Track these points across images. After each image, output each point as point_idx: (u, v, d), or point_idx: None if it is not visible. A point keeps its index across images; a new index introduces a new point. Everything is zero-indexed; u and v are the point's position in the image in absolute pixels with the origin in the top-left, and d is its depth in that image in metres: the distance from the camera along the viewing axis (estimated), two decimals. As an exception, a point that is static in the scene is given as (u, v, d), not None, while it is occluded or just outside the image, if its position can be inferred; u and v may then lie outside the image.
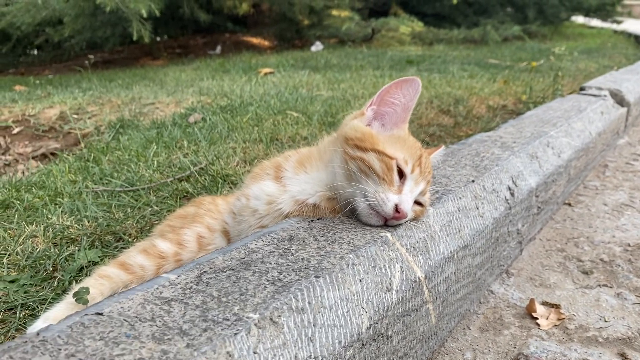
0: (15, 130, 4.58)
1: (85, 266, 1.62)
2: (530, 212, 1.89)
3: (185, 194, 2.15)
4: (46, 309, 1.40)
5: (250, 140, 2.87)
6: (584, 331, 1.46)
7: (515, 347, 1.38)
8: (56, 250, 1.69)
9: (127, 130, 3.46)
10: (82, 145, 3.07)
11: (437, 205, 1.40)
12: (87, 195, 2.11)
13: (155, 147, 2.73)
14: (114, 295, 0.92)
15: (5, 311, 1.41)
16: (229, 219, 1.41)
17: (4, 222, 1.91)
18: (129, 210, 1.99)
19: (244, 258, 1.06)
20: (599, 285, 1.70)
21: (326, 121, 3.28)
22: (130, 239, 1.80)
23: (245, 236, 1.33)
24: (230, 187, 2.23)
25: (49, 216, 1.93)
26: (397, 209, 1.18)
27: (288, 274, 1.00)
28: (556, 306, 1.56)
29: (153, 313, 0.86)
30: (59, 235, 1.81)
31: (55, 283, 1.55)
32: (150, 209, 2.00)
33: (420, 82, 1.28)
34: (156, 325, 0.83)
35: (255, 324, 0.85)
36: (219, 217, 1.53)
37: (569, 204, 2.34)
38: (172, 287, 0.94)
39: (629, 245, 1.97)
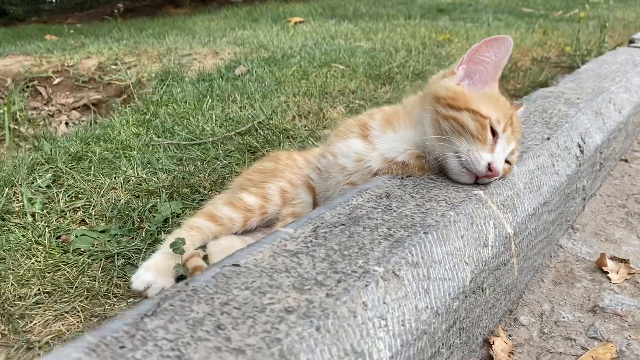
0: (56, 81, 4.63)
1: (170, 217, 1.69)
2: (594, 169, 1.91)
3: (249, 148, 2.20)
4: (142, 258, 1.49)
5: (300, 94, 2.89)
6: (655, 285, 1.52)
7: (589, 300, 1.44)
8: (138, 202, 1.77)
9: (172, 82, 3.49)
10: (136, 98, 3.10)
11: (519, 163, 1.43)
12: (158, 148, 2.17)
13: (210, 100, 2.76)
14: (243, 249, 0.98)
15: (103, 260, 1.49)
16: (314, 175, 1.46)
17: (81, 174, 1.98)
18: (199, 163, 2.05)
19: (350, 214, 1.12)
20: (664, 241, 1.74)
21: (372, 74, 3.27)
22: (205, 192, 1.86)
23: (333, 192, 1.39)
24: (290, 142, 2.28)
25: (123, 169, 2.00)
26: (489, 167, 1.22)
27: (397, 230, 1.05)
28: (625, 261, 1.61)
29: (286, 265, 0.92)
30: (137, 187, 1.88)
31: (144, 234, 1.63)
32: (219, 162, 2.06)
33: (512, 41, 1.29)
34: (292, 277, 0.89)
35: (382, 277, 0.92)
36: (299, 172, 1.59)
37: (626, 160, 2.35)
38: (293, 241, 1.01)
39: (689, 201, 1.99)
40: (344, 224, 1.07)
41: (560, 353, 1.25)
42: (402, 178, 1.30)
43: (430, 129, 1.28)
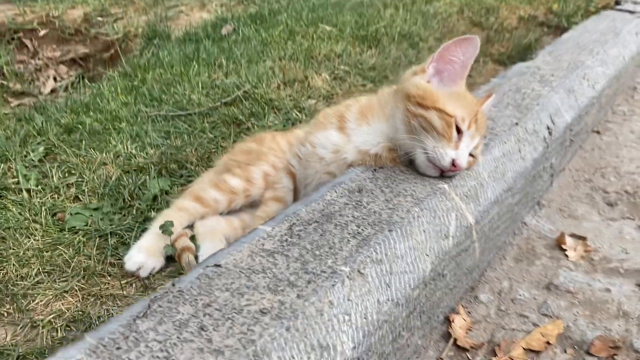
0: (42, 33, 4.59)
1: (159, 195, 1.79)
2: (564, 146, 2.01)
3: (234, 120, 2.27)
4: (134, 237, 1.60)
5: (286, 58, 2.92)
6: (607, 262, 1.65)
7: (546, 277, 1.58)
8: (128, 179, 1.86)
9: (159, 41, 3.50)
10: (124, 61, 3.12)
11: (485, 152, 1.53)
12: (146, 119, 2.24)
13: (196, 65, 2.80)
14: (224, 249, 1.09)
15: (97, 238, 1.60)
16: (295, 162, 1.55)
17: (72, 147, 2.06)
18: (185, 137, 2.13)
19: (323, 210, 1.22)
20: (623, 218, 1.87)
21: (359, 35, 3.29)
22: (192, 167, 1.96)
23: (312, 180, 1.49)
24: (275, 113, 2.35)
25: (113, 142, 2.08)
26: (454, 163, 1.32)
27: (365, 228, 1.16)
28: (583, 238, 1.74)
29: (262, 265, 1.04)
30: (127, 162, 1.96)
31: (134, 211, 1.73)
32: (205, 136, 2.14)
33: (479, 41, 1.36)
34: (268, 277, 1.01)
35: (347, 276, 1.03)
36: (281, 156, 1.68)
37: (598, 132, 2.45)
38: (270, 240, 1.11)
39: (652, 176, 2.11)
40: (317, 222, 1.18)
41: (513, 329, 1.39)
42: (375, 170, 1.40)
43: (401, 125, 1.37)
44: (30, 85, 4.25)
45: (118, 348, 0.84)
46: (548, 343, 1.34)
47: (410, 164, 1.41)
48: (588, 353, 1.32)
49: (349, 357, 0.97)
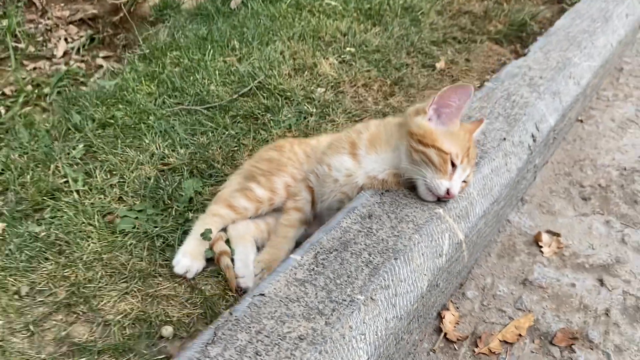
0: (49, -9, 4.64)
1: (193, 196, 2.07)
2: (547, 145, 2.27)
3: (252, 114, 2.50)
4: (177, 238, 1.89)
5: (295, 38, 3.10)
6: (576, 258, 1.96)
7: (523, 273, 1.89)
8: (164, 180, 2.12)
9: (170, 12, 3.64)
10: (141, 42, 3.28)
11: (476, 171, 1.80)
12: (170, 114, 2.47)
13: (211, 50, 2.98)
14: (267, 277, 1.39)
15: (147, 240, 1.89)
16: (313, 178, 1.82)
17: (109, 144, 2.31)
18: (210, 134, 2.37)
19: (341, 238, 1.51)
20: (594, 213, 2.16)
21: (363, 9, 3.44)
22: (219, 166, 2.21)
23: (328, 197, 1.77)
24: (288, 106, 2.57)
25: (146, 141, 2.32)
26: (448, 192, 1.59)
27: (375, 256, 1.46)
28: (557, 235, 2.04)
29: (296, 294, 1.34)
30: (161, 161, 2.22)
31: (174, 212, 2.01)
32: (227, 133, 2.38)
33: (473, 89, 1.59)
34: (302, 306, 1.31)
35: (363, 303, 1.34)
36: (299, 167, 1.94)
37: (581, 121, 2.69)
38: (300, 269, 1.41)
39: (624, 169, 2.38)
40: (337, 249, 1.47)
41: (492, 323, 1.72)
42: (382, 193, 1.67)
43: (405, 157, 1.63)
44: (44, 47, 4.38)
45: (197, 371, 1.15)
46: (520, 335, 1.67)
47: (411, 188, 1.68)
48: (551, 343, 1.66)
49: (364, 367, 1.29)
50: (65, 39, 4.56)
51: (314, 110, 2.55)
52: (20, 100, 3.20)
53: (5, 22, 4.09)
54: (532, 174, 2.23)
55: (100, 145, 2.31)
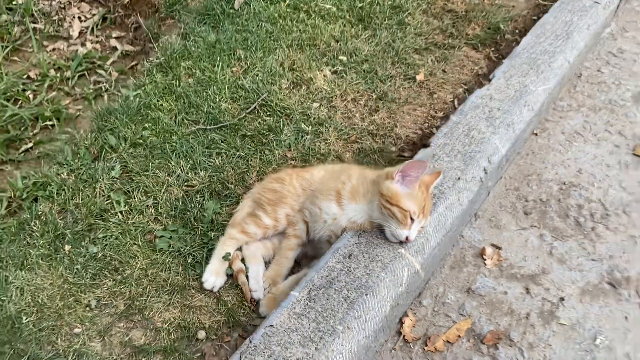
0: (58, -34, 4.91)
1: (213, 217, 2.61)
2: (500, 168, 2.79)
3: (258, 133, 2.99)
4: (203, 256, 2.45)
5: (293, 46, 3.52)
6: (511, 269, 2.54)
7: (468, 283, 2.48)
8: (190, 202, 2.66)
9: (179, 9, 3.99)
10: (156, 49, 3.67)
11: (433, 210, 2.33)
12: (189, 133, 2.96)
13: (219, 61, 3.40)
14: (275, 311, 1.97)
15: (180, 257, 2.46)
16: (308, 214, 2.36)
17: (141, 166, 2.82)
18: (224, 155, 2.88)
19: (327, 276, 2.08)
20: (531, 227, 2.72)
21: (355, 7, 3.80)
22: (232, 187, 2.74)
23: (319, 231, 2.32)
24: (288, 124, 3.05)
25: (172, 163, 2.83)
26: (407, 238, 2.14)
27: (351, 293, 2.03)
28: (499, 248, 2.61)
29: (295, 325, 1.93)
30: (185, 183, 2.75)
31: (199, 232, 2.57)
32: (237, 153, 2.89)
33: (428, 164, 2.10)
34: (299, 335, 1.90)
35: (341, 332, 1.93)
36: (297, 200, 2.47)
37: (536, 134, 3.18)
38: (298, 303, 1.99)
39: (564, 183, 2.91)
40: (324, 287, 2.05)
41: (440, 326, 2.33)
42: (360, 234, 2.23)
43: (377, 210, 2.17)
44: (60, 27, 4.74)
45: (231, 385, 1.76)
46: (459, 336, 2.28)
47: (381, 230, 2.23)
48: (482, 342, 2.27)
49: (341, 375, 1.90)
50: (79, 18, 4.90)
51: (309, 128, 3.03)
52: (46, 84, 3.59)
53: (22, 0, 4.37)
54: (486, 192, 2.76)
55: (133, 165, 2.81)
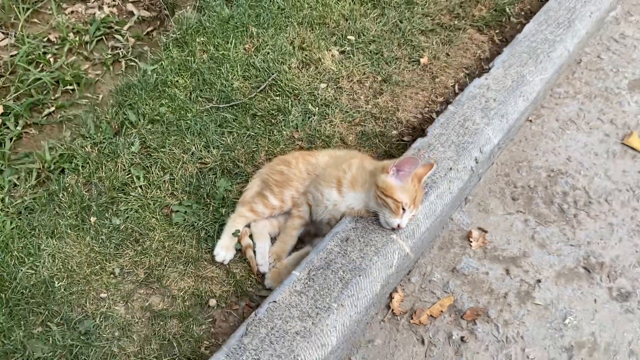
0: None
1: (225, 195, 2.85)
2: (491, 156, 2.99)
3: (267, 113, 3.19)
4: (215, 230, 2.71)
5: (303, 24, 3.65)
6: (494, 251, 2.79)
7: (453, 263, 2.74)
8: (202, 179, 2.90)
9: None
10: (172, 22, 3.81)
11: (425, 198, 2.55)
12: (203, 110, 3.16)
13: (232, 38, 3.55)
14: (278, 289, 2.24)
15: (194, 231, 2.72)
16: (311, 198, 2.60)
17: (158, 142, 3.04)
18: (235, 134, 3.09)
19: (326, 258, 2.34)
20: (517, 212, 2.94)
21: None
22: (242, 165, 2.97)
23: (321, 214, 2.56)
24: (296, 105, 3.23)
25: (187, 140, 3.05)
26: (398, 226, 2.38)
27: (346, 274, 2.29)
28: (485, 231, 2.85)
29: (296, 302, 2.20)
30: (199, 161, 2.98)
31: (211, 208, 2.82)
32: (248, 132, 3.10)
33: (420, 161, 2.31)
34: (299, 310, 2.18)
35: (336, 309, 2.20)
36: (302, 183, 2.70)
37: (530, 121, 3.35)
38: (299, 282, 2.25)
39: (552, 171, 3.11)
40: (323, 268, 2.30)
41: (425, 301, 2.60)
42: (357, 220, 2.47)
43: (373, 200, 2.40)
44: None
45: (237, 354, 2.05)
46: (442, 311, 2.55)
47: (376, 217, 2.46)
48: (462, 318, 2.55)
49: (334, 346, 2.19)
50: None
51: (316, 109, 3.22)
52: (65, 48, 3.76)
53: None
54: (477, 178, 2.97)
55: (151, 141, 3.04)
